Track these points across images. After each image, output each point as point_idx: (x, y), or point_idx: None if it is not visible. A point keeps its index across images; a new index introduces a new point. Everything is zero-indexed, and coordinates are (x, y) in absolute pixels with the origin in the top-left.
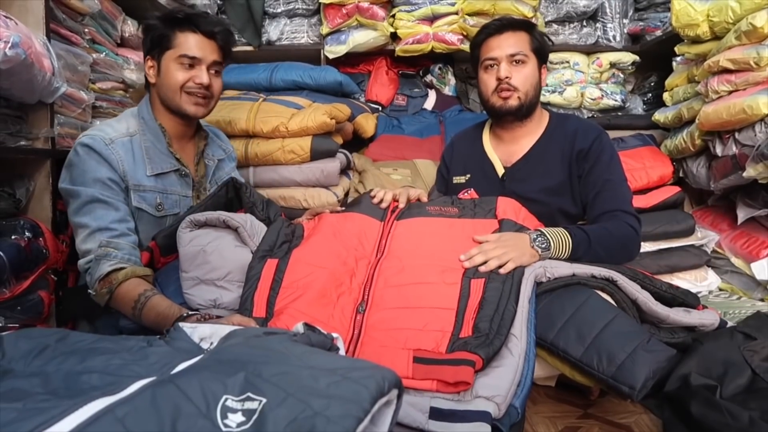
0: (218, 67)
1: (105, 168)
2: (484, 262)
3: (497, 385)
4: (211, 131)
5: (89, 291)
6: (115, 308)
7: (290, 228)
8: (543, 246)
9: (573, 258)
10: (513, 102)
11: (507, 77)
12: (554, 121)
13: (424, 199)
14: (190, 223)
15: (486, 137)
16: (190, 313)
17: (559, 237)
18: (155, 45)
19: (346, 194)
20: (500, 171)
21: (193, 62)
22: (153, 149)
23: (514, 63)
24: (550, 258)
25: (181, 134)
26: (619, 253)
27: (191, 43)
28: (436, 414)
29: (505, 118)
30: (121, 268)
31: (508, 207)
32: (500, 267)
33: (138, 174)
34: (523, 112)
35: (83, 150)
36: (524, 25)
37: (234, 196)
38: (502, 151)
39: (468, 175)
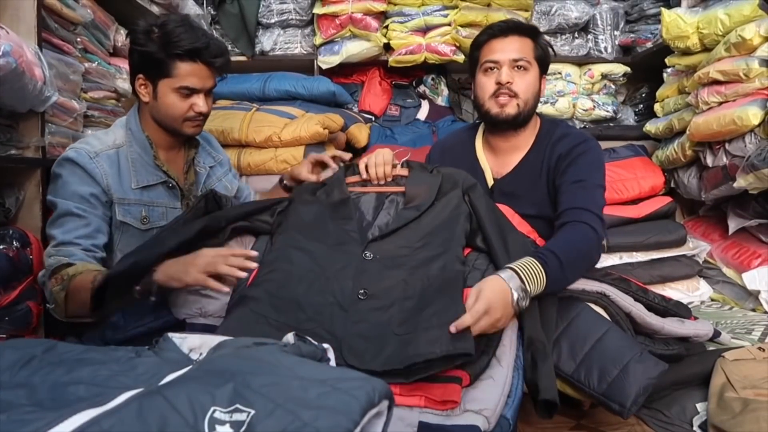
0: (212, 89)
1: (87, 182)
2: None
3: (486, 398)
4: (203, 138)
5: (47, 305)
6: (75, 308)
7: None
8: (524, 303)
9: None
10: (511, 110)
11: (508, 82)
12: (544, 129)
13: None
14: None
15: (479, 143)
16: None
17: (537, 280)
18: (150, 67)
19: None
20: (490, 182)
21: (191, 92)
22: (140, 161)
23: (517, 69)
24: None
25: (170, 145)
26: (584, 266)
27: (192, 74)
28: (425, 429)
29: (499, 126)
30: (72, 264)
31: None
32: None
33: (123, 187)
34: (520, 122)
35: (67, 164)
36: (530, 31)
37: (216, 209)
38: (493, 161)
39: None
